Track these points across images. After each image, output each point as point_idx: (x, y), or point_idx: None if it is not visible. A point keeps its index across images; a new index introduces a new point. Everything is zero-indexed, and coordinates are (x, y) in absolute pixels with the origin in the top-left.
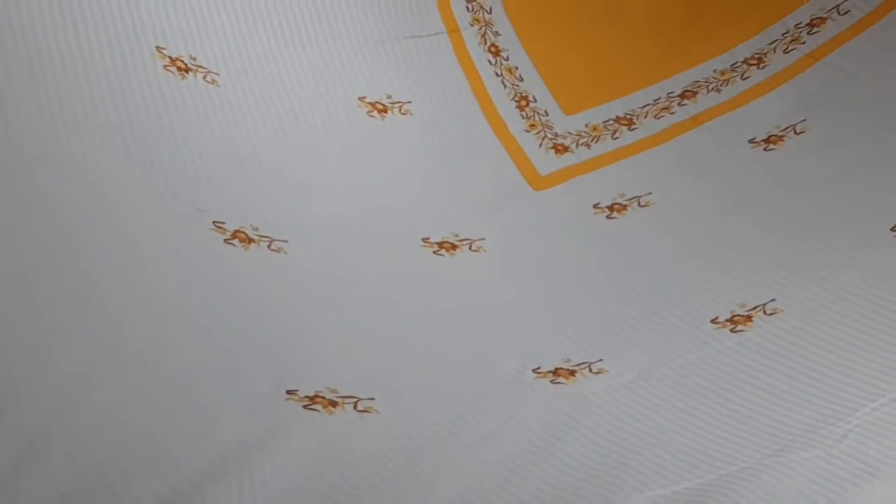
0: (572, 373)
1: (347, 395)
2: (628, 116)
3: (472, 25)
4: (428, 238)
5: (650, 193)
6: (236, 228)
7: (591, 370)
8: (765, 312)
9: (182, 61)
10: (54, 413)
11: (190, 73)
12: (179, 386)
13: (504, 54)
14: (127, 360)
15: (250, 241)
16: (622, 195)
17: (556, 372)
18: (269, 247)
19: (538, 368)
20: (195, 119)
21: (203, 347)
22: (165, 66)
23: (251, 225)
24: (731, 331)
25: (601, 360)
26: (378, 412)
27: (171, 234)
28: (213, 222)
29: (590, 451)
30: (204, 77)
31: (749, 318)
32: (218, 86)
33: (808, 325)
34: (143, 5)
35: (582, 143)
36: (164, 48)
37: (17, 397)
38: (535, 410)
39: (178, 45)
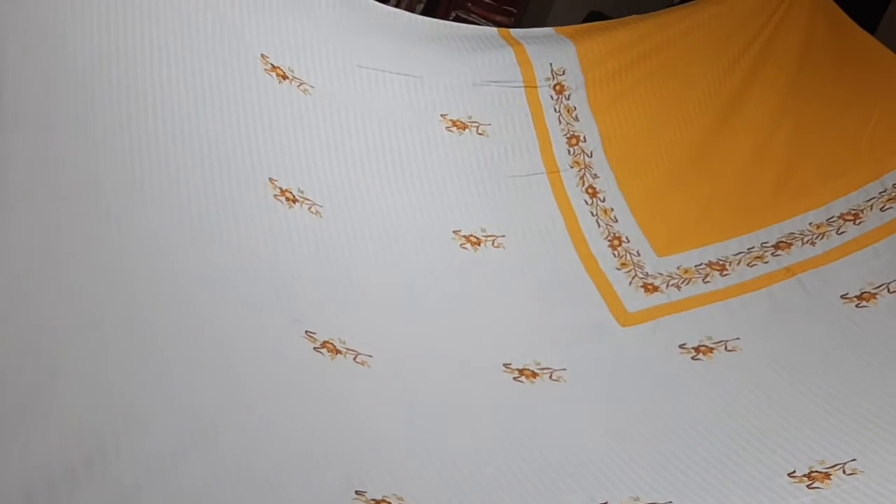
0: None
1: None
2: (721, 262)
3: (572, 168)
4: (510, 364)
5: (738, 339)
6: (326, 339)
7: None
8: (844, 472)
9: (291, 193)
10: (144, 482)
11: (297, 203)
12: (261, 477)
13: (601, 195)
14: (217, 449)
15: (337, 351)
16: (709, 338)
17: None
18: (354, 359)
19: None
20: (298, 244)
21: (286, 444)
22: (276, 195)
23: (339, 338)
24: (808, 486)
25: (670, 501)
26: None
27: (268, 337)
28: (306, 331)
29: None
30: (309, 208)
31: (827, 475)
32: (321, 217)
33: (888, 490)
34: (261, 143)
35: (672, 285)
36: (276, 180)
37: (112, 460)
38: None
39: (288, 178)
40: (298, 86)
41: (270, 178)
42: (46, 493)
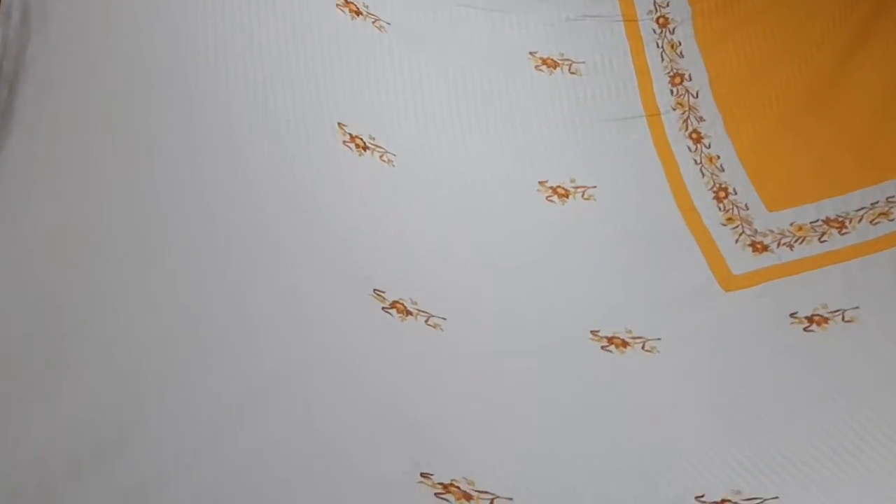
0: None
1: (484, 490)
2: (840, 218)
3: (675, 110)
4: (597, 331)
5: (857, 308)
6: (396, 299)
7: None
8: None
9: (361, 139)
10: (186, 453)
11: (368, 151)
12: (318, 450)
13: (706, 141)
14: (274, 413)
15: (408, 313)
16: (824, 306)
17: (722, 502)
18: (426, 322)
19: (702, 497)
20: (367, 194)
21: (348, 414)
22: (345, 141)
23: (411, 298)
24: None
25: (776, 497)
26: None
27: (333, 294)
28: (374, 290)
29: None
30: (381, 156)
31: None
32: (393, 166)
33: None
34: (329, 84)
35: (784, 244)
36: (345, 125)
37: (152, 427)
38: None
39: (359, 124)
40: (373, 22)
41: (339, 123)
42: (39, 489)
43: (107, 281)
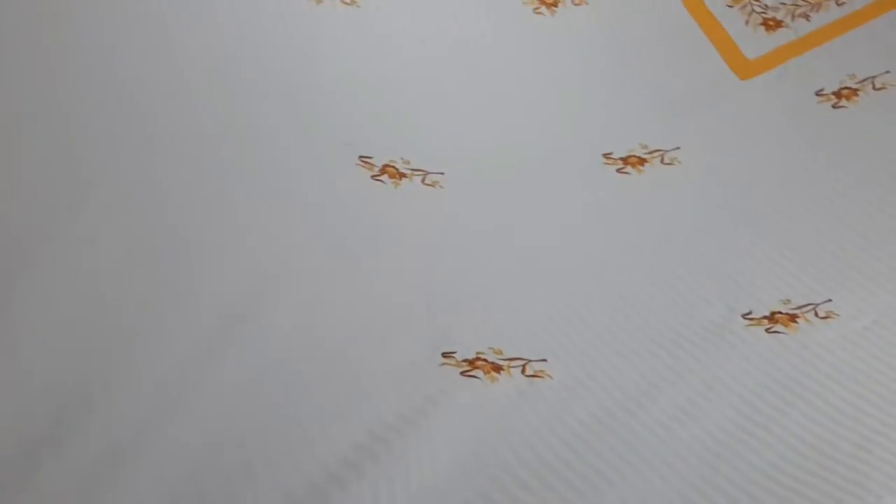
0: (793, 318)
1: (514, 356)
2: None
3: None
4: (610, 153)
5: (887, 72)
6: (385, 163)
7: (816, 314)
8: None
9: None
10: (173, 383)
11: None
12: (323, 352)
13: None
14: (267, 322)
15: (401, 175)
16: (852, 77)
17: (772, 317)
18: (423, 181)
19: (749, 314)
20: (334, 45)
21: (351, 304)
22: None
23: (402, 158)
24: None
25: (829, 300)
26: (551, 377)
27: (314, 169)
28: (360, 157)
29: (820, 427)
30: (342, 0)
31: None
32: (359, 7)
33: None
34: None
35: (799, 14)
36: None
37: (123, 377)
38: (747, 371)
39: None
40: None
41: None
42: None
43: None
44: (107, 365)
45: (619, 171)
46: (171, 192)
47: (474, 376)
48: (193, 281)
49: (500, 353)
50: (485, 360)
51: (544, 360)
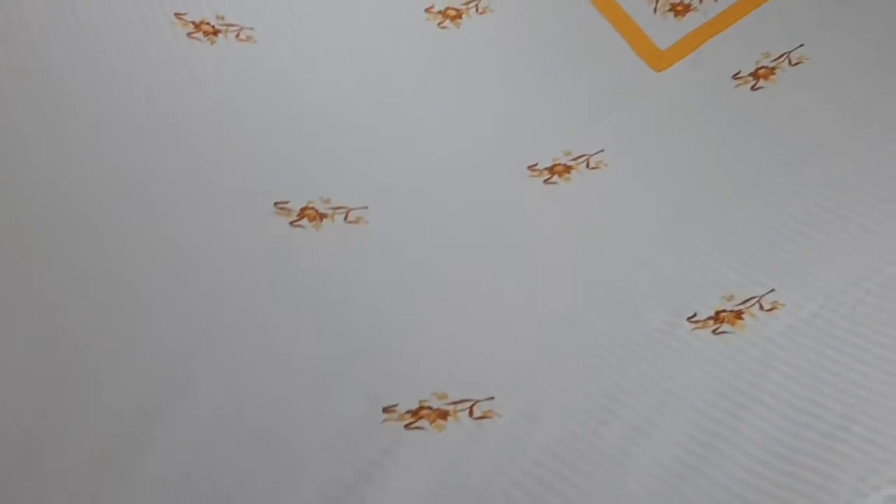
0: (738, 315)
1: (460, 398)
2: None
3: None
4: (535, 165)
5: (801, 46)
6: (303, 206)
7: (761, 307)
8: None
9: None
10: (83, 494)
11: (219, 34)
12: (250, 429)
13: None
14: (186, 407)
15: (322, 216)
16: (766, 55)
17: (717, 317)
18: (345, 219)
19: (694, 316)
20: (233, 86)
21: (276, 370)
22: (190, 33)
23: (321, 197)
24: None
25: (772, 290)
26: (500, 415)
27: (224, 226)
28: (275, 204)
29: (780, 431)
30: (237, 35)
31: None
32: (255, 42)
33: None
34: None
35: None
36: (183, 13)
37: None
38: (699, 379)
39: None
40: None
41: (176, 14)
42: None
43: None
44: (8, 483)
45: (546, 182)
46: (63, 281)
47: (420, 428)
48: (99, 379)
49: (445, 397)
50: (429, 407)
51: (491, 397)
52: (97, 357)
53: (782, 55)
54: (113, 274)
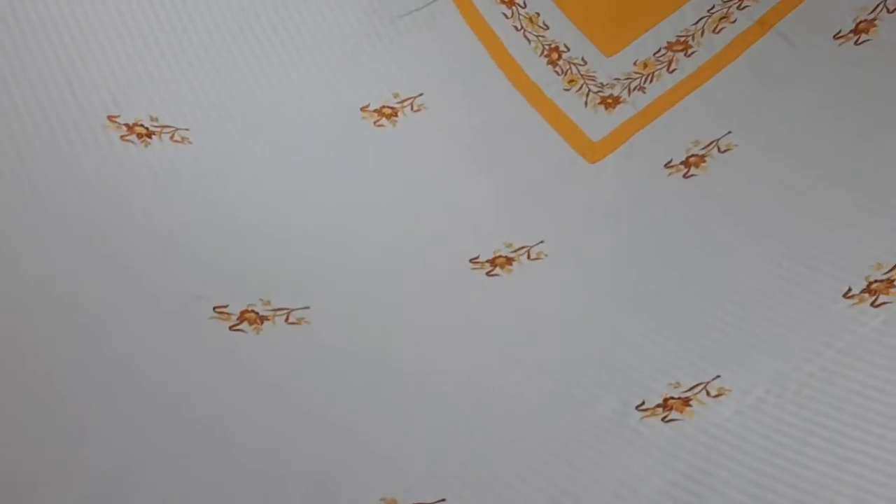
0: (686, 402)
1: (412, 503)
2: (681, 39)
3: None
4: (476, 258)
5: (729, 133)
6: (244, 309)
7: (708, 393)
8: None
9: (142, 125)
10: None
11: (153, 136)
12: None
13: (520, 1)
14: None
15: (262, 319)
16: (696, 143)
17: (666, 404)
18: (286, 321)
19: (642, 405)
20: (169, 189)
21: (220, 487)
22: (123, 136)
23: (261, 300)
24: (873, 305)
25: (718, 376)
26: None
27: (159, 335)
28: (215, 309)
29: None
30: (171, 137)
31: (891, 282)
32: (191, 143)
33: None
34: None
35: (635, 88)
36: (116, 116)
37: None
38: (652, 469)
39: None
40: None
41: (109, 116)
42: None
43: None
44: None
45: (488, 274)
46: None
47: None
48: (32, 499)
49: (395, 502)
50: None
51: (442, 500)
52: (29, 477)
53: (711, 143)
54: (45, 391)
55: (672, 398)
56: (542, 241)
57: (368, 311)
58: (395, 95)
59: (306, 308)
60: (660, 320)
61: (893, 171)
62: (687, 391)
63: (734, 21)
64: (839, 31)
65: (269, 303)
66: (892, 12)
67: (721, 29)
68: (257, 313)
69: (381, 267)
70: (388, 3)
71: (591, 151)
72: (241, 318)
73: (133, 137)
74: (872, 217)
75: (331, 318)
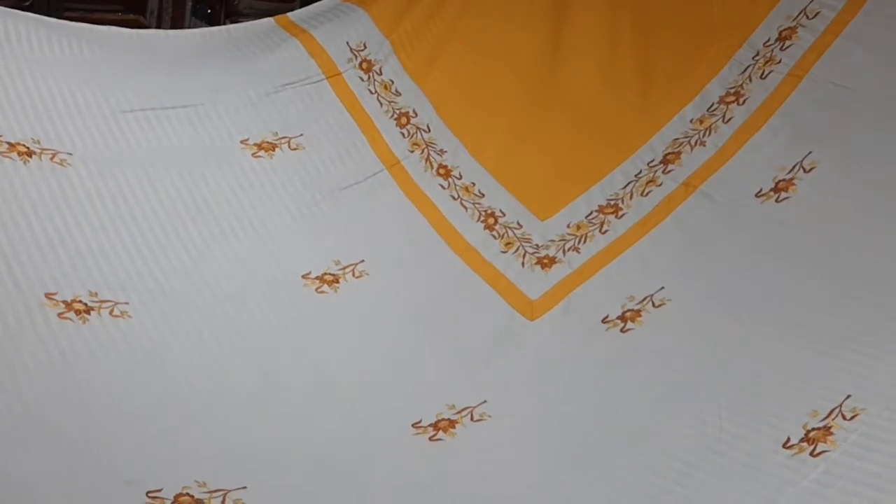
0: None
1: None
2: (612, 203)
3: (413, 152)
4: (419, 422)
5: (662, 288)
6: (178, 492)
7: None
8: (843, 416)
9: (82, 302)
10: None
11: (92, 312)
12: None
13: (456, 172)
14: None
15: (198, 503)
16: (631, 298)
17: None
18: (222, 502)
19: None
20: (103, 364)
21: None
22: (61, 313)
23: (197, 481)
24: (812, 454)
25: None
26: None
27: None
28: (148, 494)
29: None
30: (111, 311)
31: (828, 429)
32: (130, 317)
33: None
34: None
35: (570, 249)
36: (54, 294)
37: None
38: None
39: (71, 286)
40: (51, 158)
41: (47, 294)
42: None
43: None
44: None
45: (431, 439)
46: None
47: None
48: None
49: None
50: None
51: None
52: None
53: (645, 298)
54: None
55: None
56: (484, 402)
57: (310, 484)
58: (337, 262)
59: (243, 488)
60: (604, 480)
61: (820, 319)
62: None
63: (660, 184)
64: (760, 190)
65: (205, 485)
66: (808, 172)
67: (648, 192)
68: (193, 497)
69: (323, 438)
70: (327, 177)
71: (531, 309)
72: (176, 502)
73: (71, 314)
74: (804, 365)
75: (271, 496)
